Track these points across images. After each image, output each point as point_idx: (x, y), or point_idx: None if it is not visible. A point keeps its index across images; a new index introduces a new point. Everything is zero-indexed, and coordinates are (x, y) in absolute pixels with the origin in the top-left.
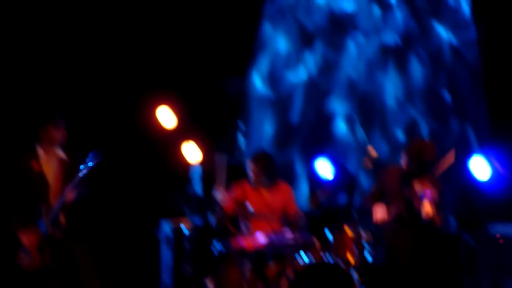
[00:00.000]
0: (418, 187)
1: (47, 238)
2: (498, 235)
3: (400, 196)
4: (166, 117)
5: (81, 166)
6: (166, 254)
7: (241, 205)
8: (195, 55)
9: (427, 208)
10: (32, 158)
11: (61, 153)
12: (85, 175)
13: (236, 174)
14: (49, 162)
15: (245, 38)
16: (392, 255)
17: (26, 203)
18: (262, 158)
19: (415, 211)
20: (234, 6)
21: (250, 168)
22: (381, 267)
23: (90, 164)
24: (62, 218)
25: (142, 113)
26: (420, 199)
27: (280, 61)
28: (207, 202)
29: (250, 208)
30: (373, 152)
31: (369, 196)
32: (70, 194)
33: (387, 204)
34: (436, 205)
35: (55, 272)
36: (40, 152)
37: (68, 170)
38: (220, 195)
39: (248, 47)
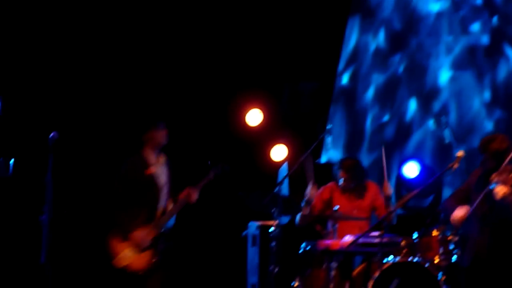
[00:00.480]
0: (494, 179)
1: (159, 239)
2: None
3: (479, 194)
4: (255, 118)
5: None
6: (252, 254)
7: (328, 207)
8: (286, 57)
9: (498, 189)
10: (142, 164)
11: (164, 157)
12: (210, 180)
13: (323, 175)
14: (157, 166)
15: (334, 39)
16: (477, 254)
17: (138, 206)
18: (350, 166)
19: (494, 205)
20: (323, 7)
21: (339, 174)
22: (467, 268)
23: (218, 171)
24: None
25: (232, 115)
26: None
27: (367, 62)
28: (295, 203)
29: (338, 210)
30: (460, 153)
31: (452, 196)
32: (194, 196)
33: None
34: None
35: (157, 272)
36: (147, 157)
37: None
38: (311, 193)
39: (337, 49)
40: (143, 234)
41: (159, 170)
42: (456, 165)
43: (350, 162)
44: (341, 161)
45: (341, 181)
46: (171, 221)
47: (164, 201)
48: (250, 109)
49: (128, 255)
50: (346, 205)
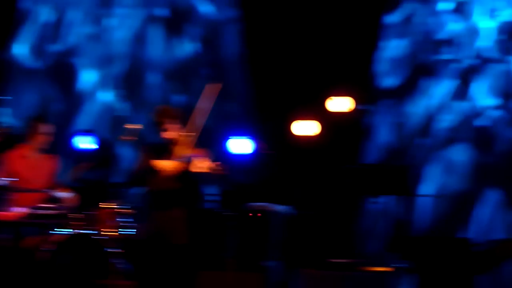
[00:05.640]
0: (181, 151)
1: None
2: (254, 214)
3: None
4: None
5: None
6: None
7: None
8: None
9: (201, 164)
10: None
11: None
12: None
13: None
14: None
15: (5, 10)
16: (157, 227)
17: None
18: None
19: (187, 176)
20: None
21: (42, 131)
22: (145, 240)
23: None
24: None
25: None
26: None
27: (44, 33)
28: None
29: (8, 182)
30: (133, 126)
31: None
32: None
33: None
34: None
35: None
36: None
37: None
38: None
39: (9, 19)
40: None
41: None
42: (131, 138)
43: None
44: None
45: (41, 139)
46: None
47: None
48: None
49: None
50: (28, 170)
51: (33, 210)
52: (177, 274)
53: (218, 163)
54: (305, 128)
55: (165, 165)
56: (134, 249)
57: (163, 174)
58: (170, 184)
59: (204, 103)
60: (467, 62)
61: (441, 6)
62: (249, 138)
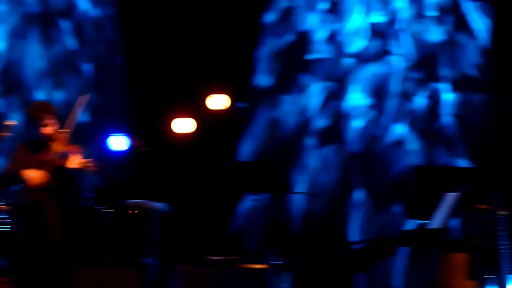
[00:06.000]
0: (56, 147)
1: None
2: (132, 211)
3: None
4: None
5: None
6: None
7: None
8: None
9: (76, 160)
10: None
11: None
12: None
13: None
14: None
15: None
16: (34, 223)
17: None
18: None
19: (62, 172)
20: None
21: None
22: (22, 237)
23: None
24: None
25: None
26: (64, 156)
27: None
28: None
29: None
30: (9, 122)
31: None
32: None
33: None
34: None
35: None
36: None
37: None
38: None
39: None
40: None
41: None
42: (6, 134)
43: None
44: None
45: None
46: None
47: None
48: None
49: None
50: None
51: None
52: (51, 271)
53: (91, 159)
54: (182, 125)
55: (32, 175)
56: (10, 245)
57: (29, 184)
58: (42, 184)
59: (77, 111)
60: (343, 62)
61: (319, 5)
62: (125, 135)
